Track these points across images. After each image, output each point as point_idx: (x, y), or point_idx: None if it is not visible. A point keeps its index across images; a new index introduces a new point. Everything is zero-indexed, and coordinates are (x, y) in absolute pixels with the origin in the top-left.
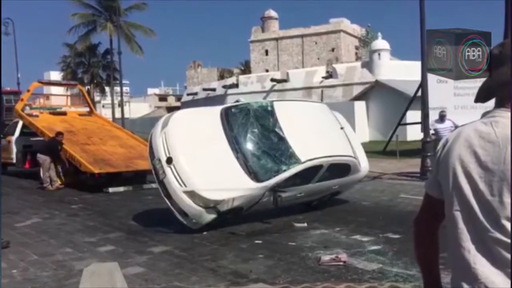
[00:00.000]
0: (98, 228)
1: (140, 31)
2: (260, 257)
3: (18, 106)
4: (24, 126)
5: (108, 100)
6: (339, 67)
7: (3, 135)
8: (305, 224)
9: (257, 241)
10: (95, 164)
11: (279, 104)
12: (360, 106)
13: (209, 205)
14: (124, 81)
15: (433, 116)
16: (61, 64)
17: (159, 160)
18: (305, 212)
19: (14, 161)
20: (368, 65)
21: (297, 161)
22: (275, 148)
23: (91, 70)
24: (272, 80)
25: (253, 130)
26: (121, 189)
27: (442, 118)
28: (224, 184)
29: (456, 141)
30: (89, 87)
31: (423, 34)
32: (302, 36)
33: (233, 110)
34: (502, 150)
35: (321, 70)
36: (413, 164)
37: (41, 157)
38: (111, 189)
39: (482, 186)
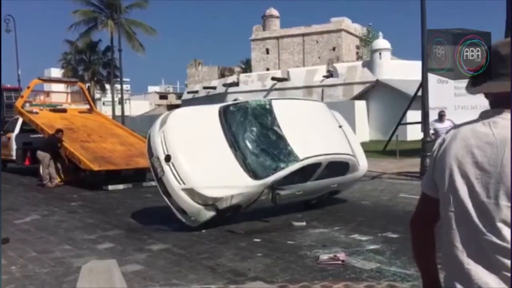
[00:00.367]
0: (97, 226)
1: (141, 29)
2: (258, 255)
3: (18, 103)
4: (24, 123)
5: (108, 97)
6: (340, 66)
7: (3, 132)
8: (304, 223)
9: (255, 240)
10: (94, 161)
11: (277, 103)
12: (360, 106)
13: (208, 202)
14: (124, 79)
15: (433, 116)
16: (61, 61)
17: (158, 158)
18: (304, 211)
19: (14, 158)
20: (369, 65)
21: (296, 159)
22: (274, 146)
23: (92, 67)
24: (273, 78)
25: (252, 128)
26: (121, 186)
27: (441, 118)
28: (223, 181)
29: (453, 141)
30: (89, 84)
31: (424, 33)
32: (303, 35)
33: (231, 108)
34: (500, 152)
35: (322, 69)
36: (413, 164)
37: (40, 154)
38: (110, 187)
39: (478, 187)
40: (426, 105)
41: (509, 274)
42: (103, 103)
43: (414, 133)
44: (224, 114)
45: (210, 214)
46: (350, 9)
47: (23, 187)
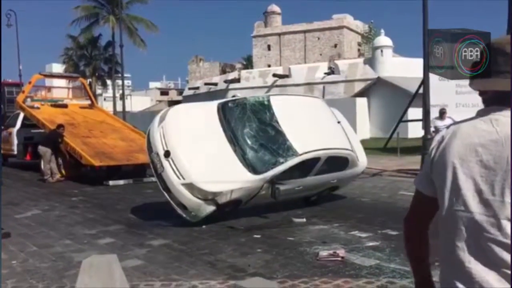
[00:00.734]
0: (98, 221)
1: (143, 25)
2: (258, 251)
3: (20, 98)
4: (25, 118)
5: (109, 93)
6: (342, 63)
7: (5, 127)
8: (304, 220)
9: (255, 236)
10: (95, 157)
11: (275, 99)
12: (361, 103)
13: (208, 197)
14: (125, 75)
15: (434, 113)
16: (63, 57)
17: (157, 154)
18: (304, 208)
19: (15, 152)
20: (371, 62)
21: (294, 154)
22: (272, 141)
23: (93, 63)
24: (274, 75)
25: (250, 123)
26: (121, 182)
27: (442, 115)
28: (222, 176)
29: (454, 138)
30: (90, 80)
31: (426, 31)
32: (304, 31)
33: (230, 104)
34: (505, 149)
35: (323, 66)
36: (414, 162)
37: (42, 149)
38: (111, 182)
39: (483, 185)
40: (427, 102)
41: (510, 272)
42: (104, 99)
43: (415, 131)
44: (223, 110)
45: (210, 208)
46: (352, 6)
47: (24, 182)
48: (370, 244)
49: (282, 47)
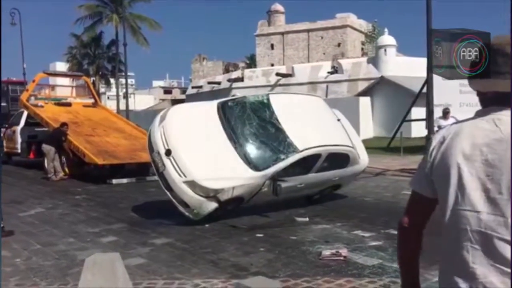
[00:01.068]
0: (101, 219)
1: (146, 23)
2: (261, 250)
3: (24, 96)
4: (29, 116)
5: (113, 91)
6: (345, 63)
7: (8, 125)
8: (307, 219)
9: (258, 235)
10: (99, 155)
11: (275, 97)
12: (365, 102)
13: (209, 194)
14: (129, 73)
15: (438, 113)
16: (67, 55)
17: (158, 153)
18: (307, 207)
19: (19, 151)
20: (374, 61)
21: (295, 150)
22: (273, 138)
23: (97, 61)
24: (277, 74)
25: (250, 121)
26: (124, 180)
27: (445, 115)
28: (224, 173)
29: (456, 138)
30: (94, 78)
31: (429, 30)
32: (308, 30)
33: (229, 103)
34: (510, 148)
35: (327, 65)
36: (417, 161)
37: (45, 147)
38: (114, 181)
39: (489, 184)
40: (431, 102)
41: None
42: (108, 97)
43: (418, 130)
44: (223, 109)
45: (212, 206)
46: (356, 5)
47: (27, 180)
48: (373, 243)
49: (286, 46)
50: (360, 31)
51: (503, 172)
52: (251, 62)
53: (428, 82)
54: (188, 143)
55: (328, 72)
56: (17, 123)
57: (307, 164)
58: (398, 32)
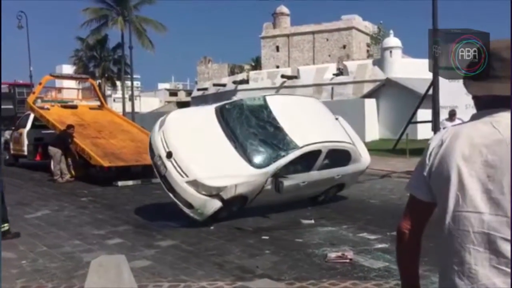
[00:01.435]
0: (107, 221)
1: (151, 26)
2: (266, 253)
3: (30, 99)
4: (35, 118)
5: (119, 94)
6: (350, 64)
7: (15, 128)
8: (312, 221)
9: (264, 237)
10: (105, 157)
11: (271, 98)
12: (370, 104)
13: (212, 192)
14: (135, 76)
15: (444, 114)
16: (73, 58)
17: (159, 156)
18: (312, 209)
19: (26, 153)
20: (380, 63)
21: (295, 147)
22: (272, 136)
23: (103, 64)
24: (283, 76)
25: (249, 122)
26: (130, 183)
27: (451, 117)
28: (225, 172)
29: (455, 141)
30: (100, 81)
31: (436, 32)
32: (313, 32)
33: (227, 106)
34: (510, 148)
35: (332, 67)
36: None
37: (52, 150)
38: (120, 183)
39: (491, 184)
40: (437, 103)
41: None
42: (114, 100)
43: (424, 132)
44: (221, 112)
45: (216, 205)
46: (361, 6)
47: (34, 182)
48: (379, 246)
49: (291, 48)
50: (366, 33)
51: (504, 172)
52: (257, 64)
53: (434, 84)
54: (188, 144)
55: (334, 74)
56: (24, 126)
57: (308, 161)
58: (403, 34)
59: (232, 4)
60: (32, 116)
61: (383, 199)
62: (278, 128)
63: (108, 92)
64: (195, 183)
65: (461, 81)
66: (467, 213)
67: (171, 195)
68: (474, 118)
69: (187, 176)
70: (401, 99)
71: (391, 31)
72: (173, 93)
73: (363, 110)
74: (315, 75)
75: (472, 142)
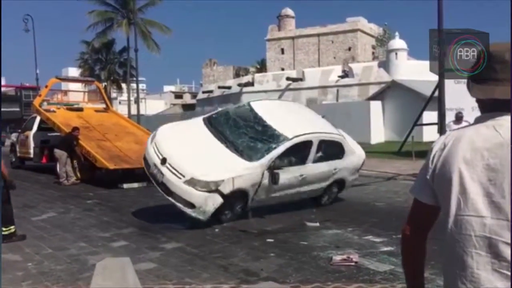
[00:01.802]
0: (112, 223)
1: (156, 28)
2: (271, 255)
3: (36, 101)
4: (41, 121)
5: (124, 96)
6: (355, 67)
7: (21, 130)
8: (317, 224)
9: (268, 240)
10: (110, 160)
11: (256, 103)
12: (376, 106)
13: (211, 188)
14: (140, 78)
15: (449, 117)
16: (79, 61)
17: (155, 164)
18: (318, 212)
19: (32, 155)
20: (385, 65)
21: (285, 139)
22: (262, 133)
23: (108, 67)
24: (288, 78)
25: (237, 124)
26: (135, 185)
27: (459, 119)
28: (220, 167)
29: (457, 144)
30: (106, 83)
31: (441, 34)
32: (318, 35)
33: (214, 116)
34: (510, 152)
35: (337, 69)
36: None
37: (58, 152)
38: (125, 185)
39: (492, 188)
40: (442, 106)
41: None
42: (119, 102)
43: (430, 134)
44: (209, 121)
45: (217, 201)
46: (366, 8)
47: (40, 184)
48: (385, 249)
49: (296, 50)
50: (371, 35)
51: (505, 176)
52: (262, 67)
53: (440, 86)
54: (181, 150)
55: (339, 76)
56: (30, 128)
57: (301, 153)
58: (409, 36)
59: (237, 7)
60: (38, 118)
61: (388, 202)
62: (266, 126)
63: (113, 95)
64: (192, 182)
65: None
66: (469, 217)
67: (171, 199)
68: (477, 121)
69: (183, 176)
70: (406, 101)
71: (397, 33)
72: (178, 95)
73: (369, 112)
74: (320, 77)
75: (474, 145)
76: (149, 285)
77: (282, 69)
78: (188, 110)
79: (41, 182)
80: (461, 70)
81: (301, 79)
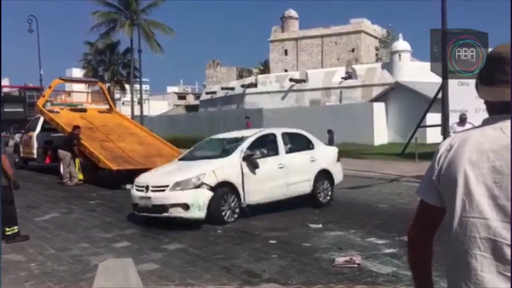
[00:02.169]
0: (115, 224)
1: (160, 29)
2: (273, 257)
3: (40, 102)
4: (45, 122)
5: (128, 97)
6: (359, 68)
7: (25, 131)
8: (320, 225)
9: (271, 241)
10: (113, 161)
11: (212, 137)
12: (379, 108)
13: (195, 183)
14: (144, 79)
15: (453, 118)
16: (82, 62)
17: (140, 197)
18: (320, 213)
19: (35, 156)
20: (388, 66)
21: (249, 136)
22: (227, 143)
23: (112, 67)
24: (291, 80)
25: (203, 149)
26: None
27: (463, 121)
28: (199, 167)
29: (463, 146)
30: (109, 84)
31: (445, 35)
32: (322, 36)
33: (186, 154)
34: None
35: (341, 71)
36: None
37: (62, 153)
38: (128, 186)
39: (497, 190)
40: (446, 107)
41: None
42: (123, 103)
43: (434, 136)
44: (180, 159)
45: (207, 194)
46: (370, 9)
47: (43, 185)
48: (387, 251)
49: (299, 51)
50: (374, 37)
51: (511, 178)
52: (265, 68)
53: (444, 87)
54: (159, 174)
55: (342, 78)
56: (34, 129)
57: (269, 145)
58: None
59: (240, 8)
60: (41, 119)
61: (391, 204)
62: (229, 139)
63: (117, 96)
64: (177, 185)
65: (470, 84)
66: (474, 219)
67: (166, 214)
68: (485, 123)
69: (167, 186)
70: (410, 102)
71: (400, 35)
72: (181, 96)
73: (372, 114)
74: (323, 78)
75: (480, 147)
76: (151, 286)
77: (286, 71)
78: (191, 111)
79: (45, 182)
80: (461, 70)
81: (304, 81)
